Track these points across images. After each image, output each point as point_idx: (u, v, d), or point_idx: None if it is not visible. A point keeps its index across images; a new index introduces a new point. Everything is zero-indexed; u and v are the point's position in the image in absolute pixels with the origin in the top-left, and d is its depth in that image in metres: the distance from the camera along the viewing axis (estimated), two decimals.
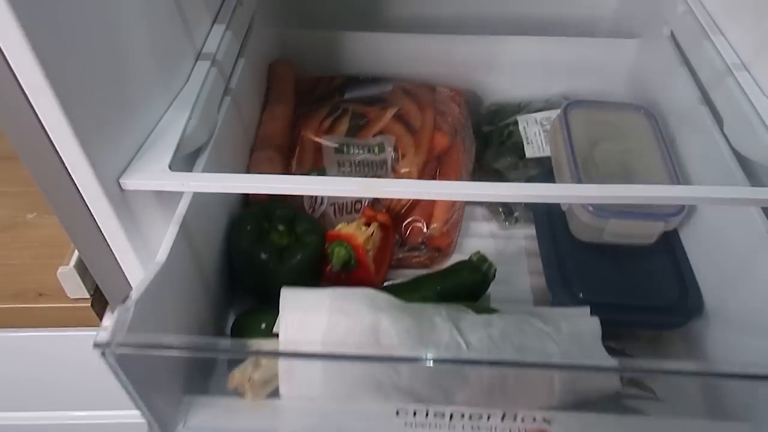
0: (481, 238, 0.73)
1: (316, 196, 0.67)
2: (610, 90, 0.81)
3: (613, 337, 0.53)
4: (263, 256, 0.58)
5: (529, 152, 0.74)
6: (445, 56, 0.81)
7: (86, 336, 0.56)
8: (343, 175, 0.68)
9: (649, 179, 0.58)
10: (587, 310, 0.55)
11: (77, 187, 0.43)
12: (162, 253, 0.47)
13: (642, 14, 0.78)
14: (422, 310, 0.53)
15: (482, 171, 0.76)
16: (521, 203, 0.74)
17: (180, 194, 0.52)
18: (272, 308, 0.55)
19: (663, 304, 0.57)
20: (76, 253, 0.55)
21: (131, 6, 0.46)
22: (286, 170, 0.68)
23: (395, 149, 0.68)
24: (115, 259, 0.49)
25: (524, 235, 0.73)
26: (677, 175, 0.58)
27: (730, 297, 0.54)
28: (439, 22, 0.85)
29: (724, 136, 0.55)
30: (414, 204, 0.68)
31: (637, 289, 0.58)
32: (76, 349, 0.61)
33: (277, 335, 0.52)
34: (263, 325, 0.56)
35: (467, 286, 0.60)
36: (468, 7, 0.84)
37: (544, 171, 0.74)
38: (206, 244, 0.56)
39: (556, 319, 0.53)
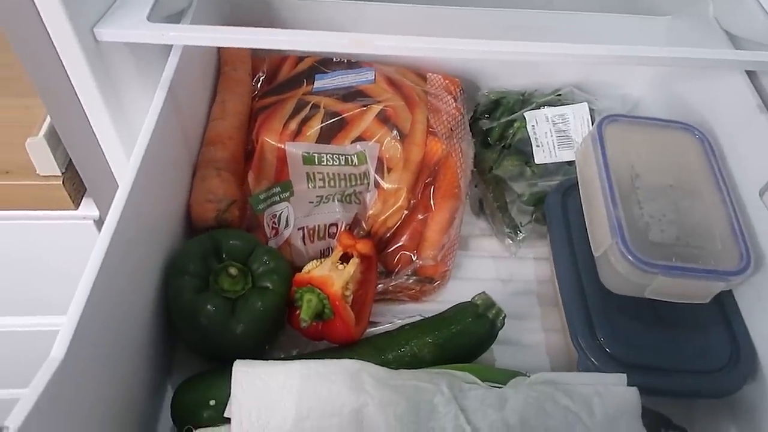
0: (481, 260, 0.61)
1: (280, 215, 0.54)
2: (630, 82, 0.68)
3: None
4: (210, 308, 0.44)
5: (539, 157, 0.62)
6: (436, 32, 0.66)
7: (59, 223, 0.58)
8: (315, 191, 0.54)
9: (705, 226, 0.46)
10: (623, 378, 0.44)
11: (49, 36, 0.41)
12: (149, 123, 0.43)
13: None
14: (418, 388, 0.41)
15: (481, 178, 0.63)
16: (530, 216, 0.62)
17: (161, 61, 0.48)
18: (224, 375, 0.42)
19: (711, 368, 0.46)
20: (46, 124, 0.52)
21: None
22: (240, 186, 0.54)
23: (379, 160, 0.54)
24: (89, 123, 0.47)
25: (533, 255, 0.61)
26: (738, 218, 0.47)
27: None
28: None
29: None
30: (402, 226, 0.55)
31: (680, 349, 0.47)
32: (46, 233, 0.59)
33: (230, 420, 0.39)
34: (212, 402, 0.43)
35: (470, 339, 0.48)
36: None
37: (553, 179, 0.62)
38: (135, 286, 0.43)
39: (587, 394, 0.42)
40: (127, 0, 0.46)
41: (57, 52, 0.43)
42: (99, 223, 0.60)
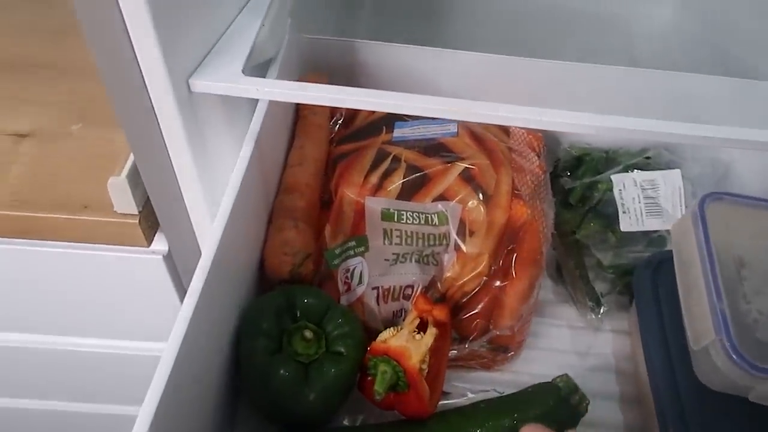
0: (556, 329, 0.58)
1: (353, 270, 0.52)
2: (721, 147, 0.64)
3: None
4: (284, 373, 0.43)
5: (625, 224, 0.59)
6: (516, 84, 0.64)
7: (130, 257, 0.57)
8: (391, 248, 0.52)
9: None
10: None
11: (144, 82, 0.40)
12: (236, 176, 0.44)
13: None
14: None
15: (560, 241, 0.61)
16: (611, 286, 0.58)
17: (246, 108, 0.49)
18: None
19: None
20: (128, 164, 0.52)
21: None
22: (316, 238, 0.52)
23: (461, 222, 0.52)
24: (172, 166, 0.46)
25: (612, 327, 0.58)
26: None
27: None
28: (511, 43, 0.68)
29: None
30: (479, 292, 0.52)
31: None
32: (119, 268, 0.59)
33: None
34: None
35: (550, 425, 0.45)
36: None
37: (637, 248, 0.59)
38: (212, 346, 0.42)
39: None
40: (222, 50, 0.45)
41: (150, 99, 0.43)
42: (167, 258, 0.60)
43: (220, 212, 0.41)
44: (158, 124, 0.44)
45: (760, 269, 0.45)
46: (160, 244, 0.58)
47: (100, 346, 0.71)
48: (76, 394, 0.78)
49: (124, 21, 0.37)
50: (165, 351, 0.34)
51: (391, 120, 0.60)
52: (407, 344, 0.45)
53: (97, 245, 0.57)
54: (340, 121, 0.62)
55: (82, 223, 0.54)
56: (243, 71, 0.44)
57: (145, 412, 0.32)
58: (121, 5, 0.36)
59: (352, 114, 0.62)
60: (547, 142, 0.66)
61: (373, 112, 0.62)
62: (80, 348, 0.71)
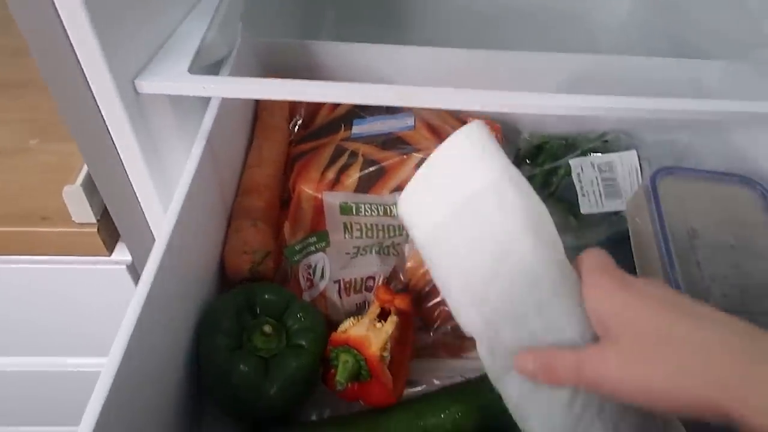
0: None
1: (316, 266, 0.52)
2: (678, 125, 0.66)
3: None
4: (243, 368, 0.43)
5: (584, 207, 0.59)
6: (475, 76, 0.65)
7: (93, 268, 0.58)
8: (352, 241, 0.52)
9: None
10: None
11: (90, 87, 0.40)
12: (186, 176, 0.43)
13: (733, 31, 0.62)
14: None
15: None
16: None
17: (199, 111, 0.49)
18: None
19: None
20: (83, 172, 0.52)
21: None
22: (276, 237, 0.52)
23: None
24: (126, 172, 0.46)
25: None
26: None
27: None
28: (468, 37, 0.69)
29: None
30: None
31: None
32: (82, 280, 0.59)
33: None
34: None
35: None
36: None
37: (599, 231, 0.59)
38: (168, 345, 0.41)
39: None
40: (169, 51, 0.46)
41: (96, 103, 0.43)
42: (131, 268, 0.60)
43: (171, 207, 0.41)
44: (107, 128, 0.44)
45: (711, 238, 0.46)
46: (122, 253, 0.58)
47: (71, 365, 0.70)
48: (43, 417, 0.77)
49: (63, 25, 0.38)
50: (112, 349, 0.34)
51: (350, 117, 0.61)
52: (367, 333, 0.45)
53: (58, 257, 0.57)
54: (299, 122, 0.62)
55: (41, 235, 0.54)
56: (189, 71, 0.44)
57: (89, 414, 0.31)
58: (59, 9, 0.37)
59: (312, 114, 0.63)
60: (507, 132, 0.67)
61: (333, 110, 0.63)
62: (51, 367, 0.70)
